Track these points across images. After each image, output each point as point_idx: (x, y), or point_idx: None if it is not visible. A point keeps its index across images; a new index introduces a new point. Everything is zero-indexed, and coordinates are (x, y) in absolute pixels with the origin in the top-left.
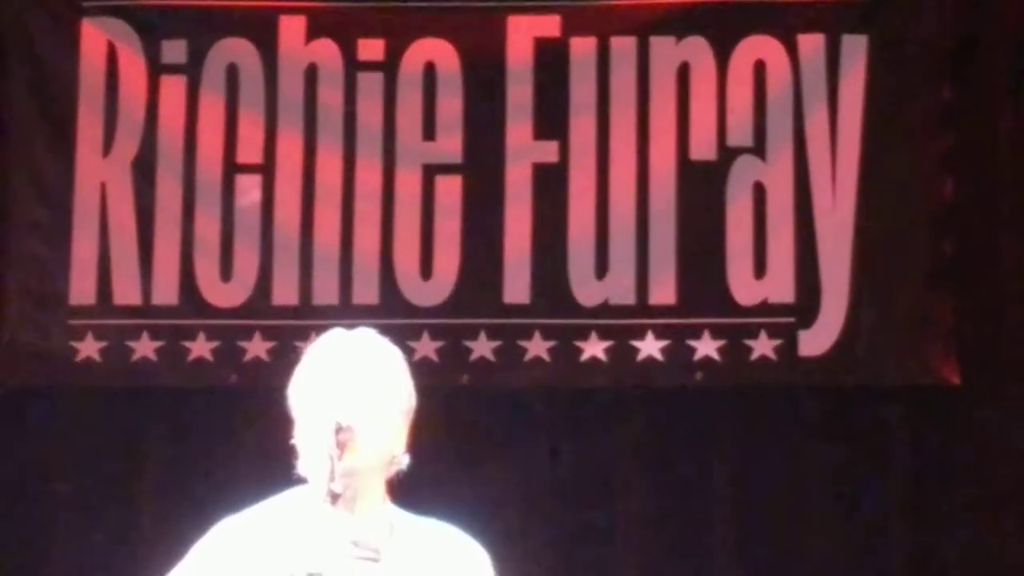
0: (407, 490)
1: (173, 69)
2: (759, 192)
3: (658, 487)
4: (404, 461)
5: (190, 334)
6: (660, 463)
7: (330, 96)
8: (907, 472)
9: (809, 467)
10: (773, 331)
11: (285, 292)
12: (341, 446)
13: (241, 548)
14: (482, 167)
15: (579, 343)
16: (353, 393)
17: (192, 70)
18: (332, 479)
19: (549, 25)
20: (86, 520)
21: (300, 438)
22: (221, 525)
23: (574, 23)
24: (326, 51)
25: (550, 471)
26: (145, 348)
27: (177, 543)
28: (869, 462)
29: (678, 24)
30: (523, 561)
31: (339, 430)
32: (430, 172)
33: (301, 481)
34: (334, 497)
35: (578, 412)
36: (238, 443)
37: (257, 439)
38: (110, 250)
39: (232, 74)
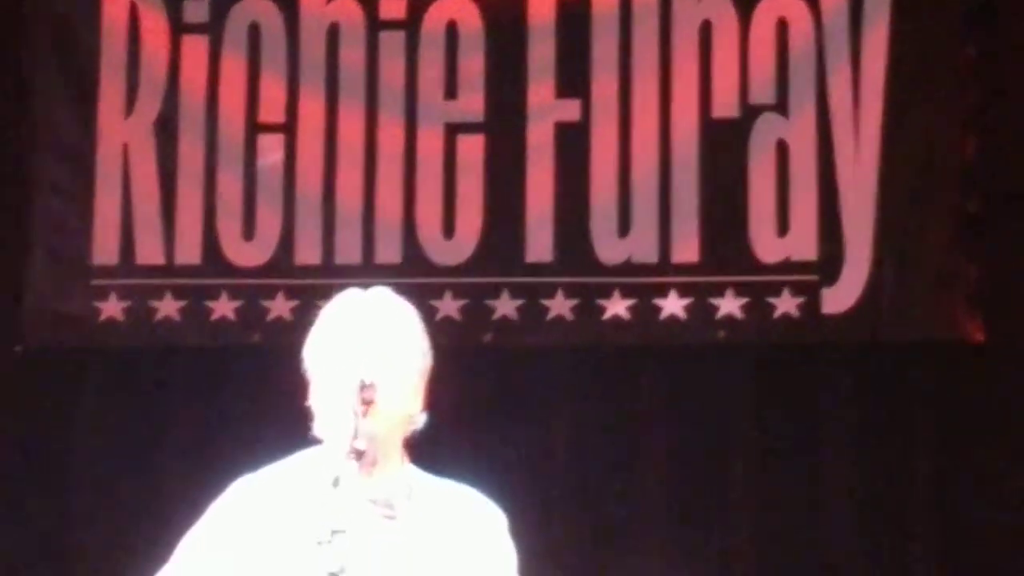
0: (428, 449)
1: (195, 29)
2: (782, 150)
3: (680, 445)
4: (421, 421)
5: (213, 294)
6: (683, 421)
7: (352, 55)
8: (931, 429)
9: (832, 424)
10: (796, 289)
11: (308, 251)
12: (365, 403)
13: (259, 507)
14: (504, 126)
15: (602, 301)
16: (374, 350)
17: (214, 30)
18: (356, 436)
19: None
20: (109, 479)
21: (317, 399)
22: (239, 483)
23: None
24: (348, 10)
25: (572, 430)
26: (168, 308)
27: (200, 502)
28: (892, 419)
29: None
30: (543, 522)
31: (363, 387)
32: (452, 131)
33: (317, 442)
34: (358, 455)
35: (601, 371)
36: (261, 402)
37: (280, 398)
38: (132, 210)
39: (254, 34)
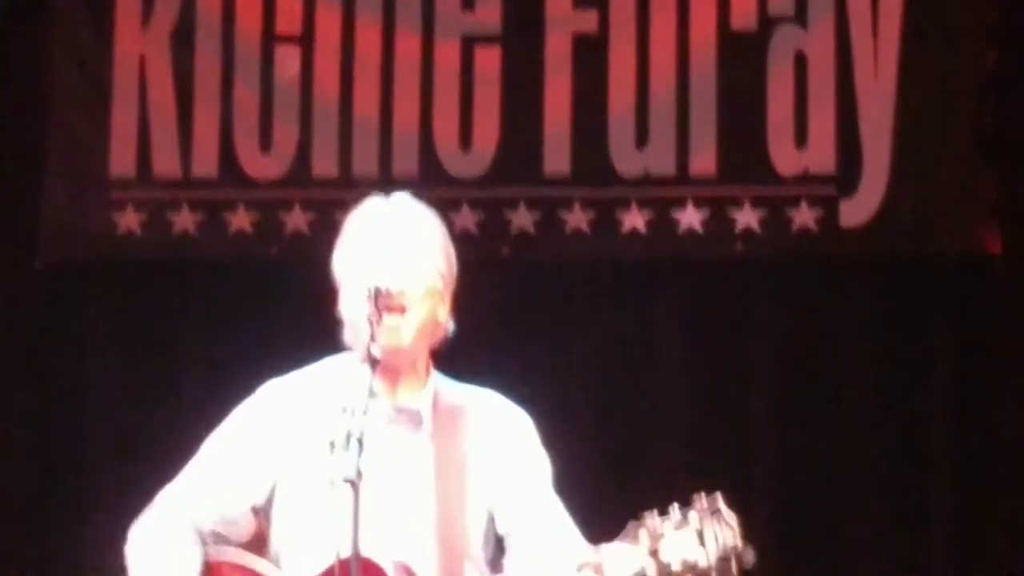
0: (449, 361)
1: None
2: (800, 61)
3: (698, 357)
4: (449, 328)
5: (230, 207)
6: (700, 334)
7: None
8: (949, 341)
9: (850, 337)
10: (814, 201)
11: (325, 164)
12: (380, 310)
13: (284, 409)
14: (521, 37)
15: (619, 214)
16: (392, 256)
17: None
18: (372, 342)
19: None
20: (127, 392)
21: (344, 307)
22: (266, 386)
23: None
24: None
25: (590, 343)
26: (185, 221)
27: (218, 414)
28: (910, 331)
29: None
30: (565, 427)
31: (379, 295)
32: (469, 43)
33: (346, 349)
34: (373, 362)
35: (618, 283)
36: (279, 315)
37: (298, 311)
38: (149, 123)
39: None
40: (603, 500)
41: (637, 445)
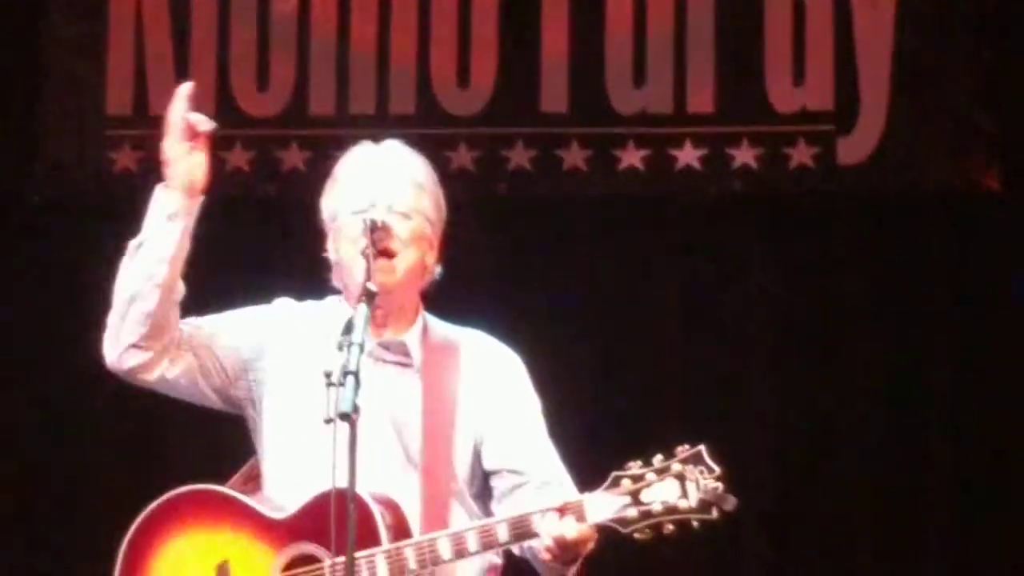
0: (443, 299)
1: None
2: None
3: (697, 295)
4: (436, 271)
5: (227, 144)
6: (699, 272)
7: None
8: (946, 277)
9: (848, 274)
10: (812, 139)
11: (322, 101)
12: (375, 244)
13: (289, 325)
14: None
15: (617, 152)
16: (383, 198)
17: None
18: (368, 278)
19: None
20: None
21: (333, 248)
22: (279, 301)
23: None
24: None
25: (587, 281)
26: None
27: None
28: (908, 268)
29: None
30: (560, 366)
31: (374, 229)
32: None
33: (334, 292)
34: (370, 296)
35: (615, 221)
36: (275, 253)
37: (294, 248)
38: (146, 60)
39: None
40: (595, 442)
41: (633, 385)
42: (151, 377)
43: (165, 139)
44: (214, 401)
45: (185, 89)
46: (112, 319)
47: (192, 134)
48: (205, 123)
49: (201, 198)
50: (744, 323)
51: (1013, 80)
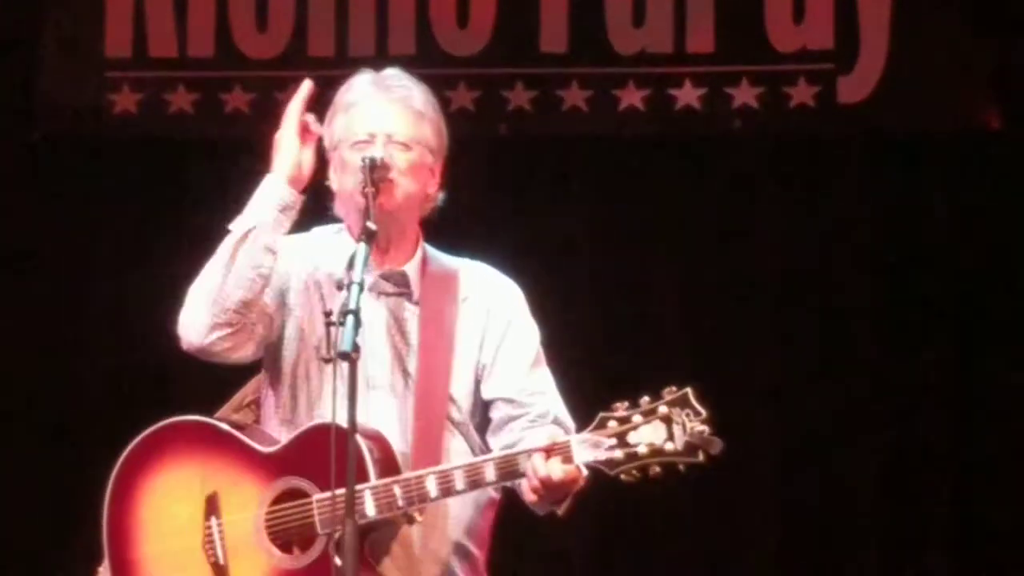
0: (444, 239)
1: None
2: None
3: (697, 235)
4: (438, 199)
5: (226, 86)
6: (699, 210)
7: None
8: (947, 216)
9: (848, 212)
10: (812, 78)
11: (321, 43)
12: (376, 183)
13: (282, 263)
14: None
15: (616, 92)
16: (384, 128)
17: None
18: (368, 217)
19: None
20: (121, 268)
21: (335, 178)
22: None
23: None
24: None
25: (587, 220)
26: (182, 100)
27: None
28: (909, 207)
29: None
30: (559, 309)
31: (374, 166)
32: None
33: (336, 220)
34: (369, 235)
35: (615, 161)
36: None
37: None
38: (145, 2)
39: None
40: (593, 374)
41: (631, 321)
42: (233, 357)
43: (280, 129)
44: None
45: (307, 87)
46: (202, 300)
47: (304, 132)
48: (317, 126)
49: (303, 195)
50: (745, 261)
51: (1014, 21)
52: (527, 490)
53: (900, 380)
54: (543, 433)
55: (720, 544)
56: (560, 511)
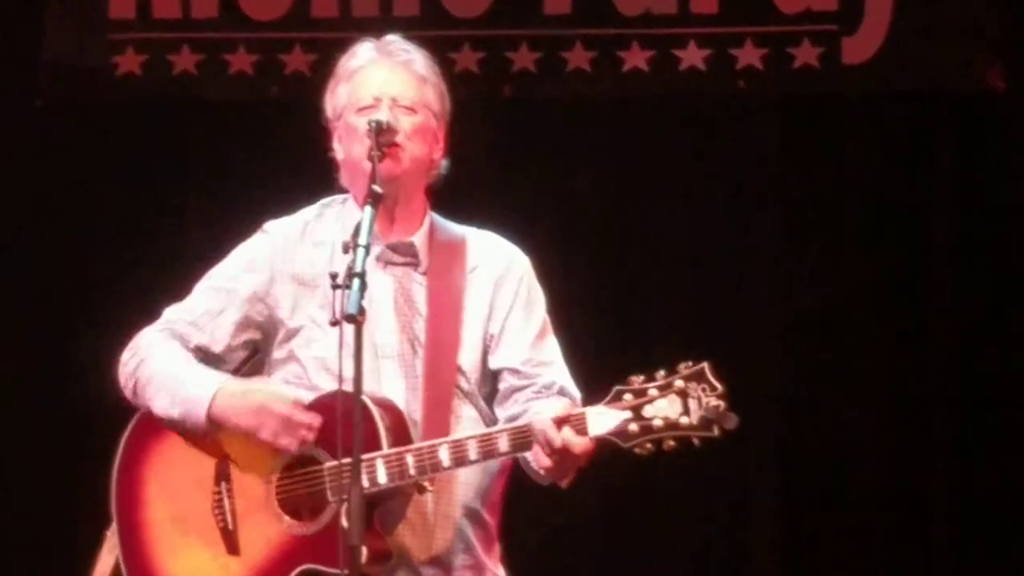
0: (449, 201)
1: None
2: None
3: (700, 195)
4: (443, 166)
5: (230, 47)
6: (702, 172)
7: None
8: (951, 177)
9: (852, 174)
10: (816, 38)
11: (325, 4)
12: (380, 147)
13: (285, 248)
14: None
15: (621, 53)
16: (391, 94)
17: None
18: (374, 180)
19: None
20: (127, 231)
21: (339, 147)
22: (267, 226)
23: None
24: None
25: (592, 183)
26: (186, 62)
27: (218, 253)
28: (913, 168)
29: None
30: (564, 270)
31: (379, 130)
32: None
33: (341, 191)
34: (376, 198)
35: (620, 122)
36: (279, 156)
37: (297, 151)
38: None
39: None
40: (600, 341)
41: (637, 286)
42: None
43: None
44: None
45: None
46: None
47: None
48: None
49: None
50: (749, 223)
51: None
52: (536, 459)
53: (906, 330)
54: (548, 404)
55: (727, 512)
56: (564, 484)
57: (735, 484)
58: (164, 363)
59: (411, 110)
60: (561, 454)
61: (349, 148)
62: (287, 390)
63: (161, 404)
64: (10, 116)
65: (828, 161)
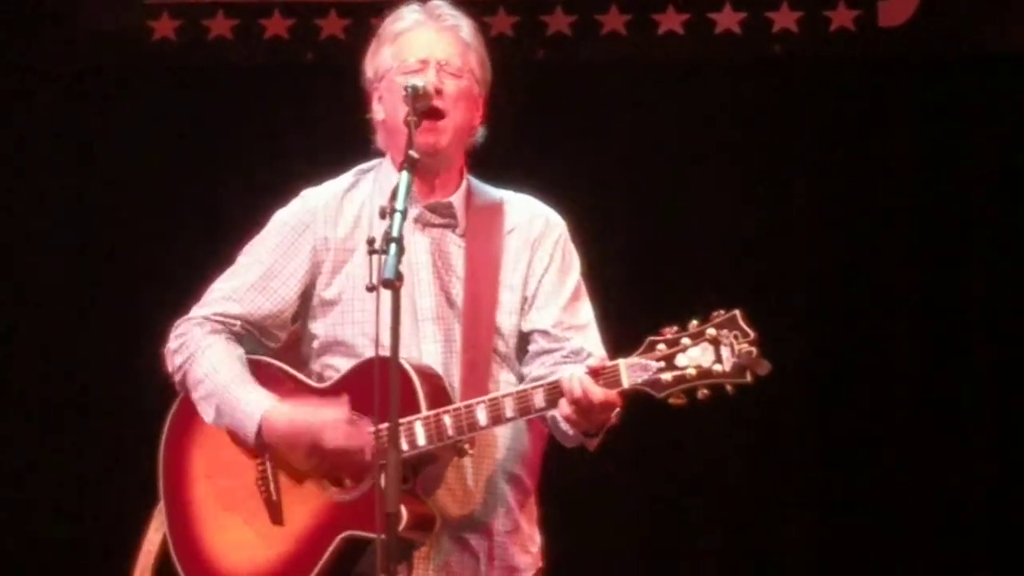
0: (485, 165)
1: None
2: None
3: (735, 158)
4: (480, 133)
5: (266, 12)
6: (738, 135)
7: None
8: (985, 140)
9: (888, 136)
10: (852, 1)
11: None
12: (417, 112)
13: (320, 217)
14: None
15: (656, 16)
16: (429, 60)
17: None
18: (411, 145)
19: None
20: (164, 198)
21: (380, 108)
22: (302, 195)
23: None
24: None
25: (627, 145)
26: (221, 27)
27: (254, 218)
28: (948, 131)
29: None
30: (598, 235)
31: (416, 96)
32: None
33: (379, 155)
34: (412, 164)
35: (655, 86)
36: (315, 121)
37: (333, 116)
38: None
39: None
40: (634, 302)
41: (671, 250)
42: None
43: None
44: None
45: None
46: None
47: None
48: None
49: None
50: (784, 187)
51: None
52: (560, 409)
53: (940, 301)
54: (573, 370)
55: (763, 466)
56: (591, 446)
57: (769, 435)
58: (213, 368)
59: (456, 75)
60: (580, 404)
61: (391, 109)
62: (329, 415)
63: (209, 414)
64: (47, 82)
65: (863, 124)
